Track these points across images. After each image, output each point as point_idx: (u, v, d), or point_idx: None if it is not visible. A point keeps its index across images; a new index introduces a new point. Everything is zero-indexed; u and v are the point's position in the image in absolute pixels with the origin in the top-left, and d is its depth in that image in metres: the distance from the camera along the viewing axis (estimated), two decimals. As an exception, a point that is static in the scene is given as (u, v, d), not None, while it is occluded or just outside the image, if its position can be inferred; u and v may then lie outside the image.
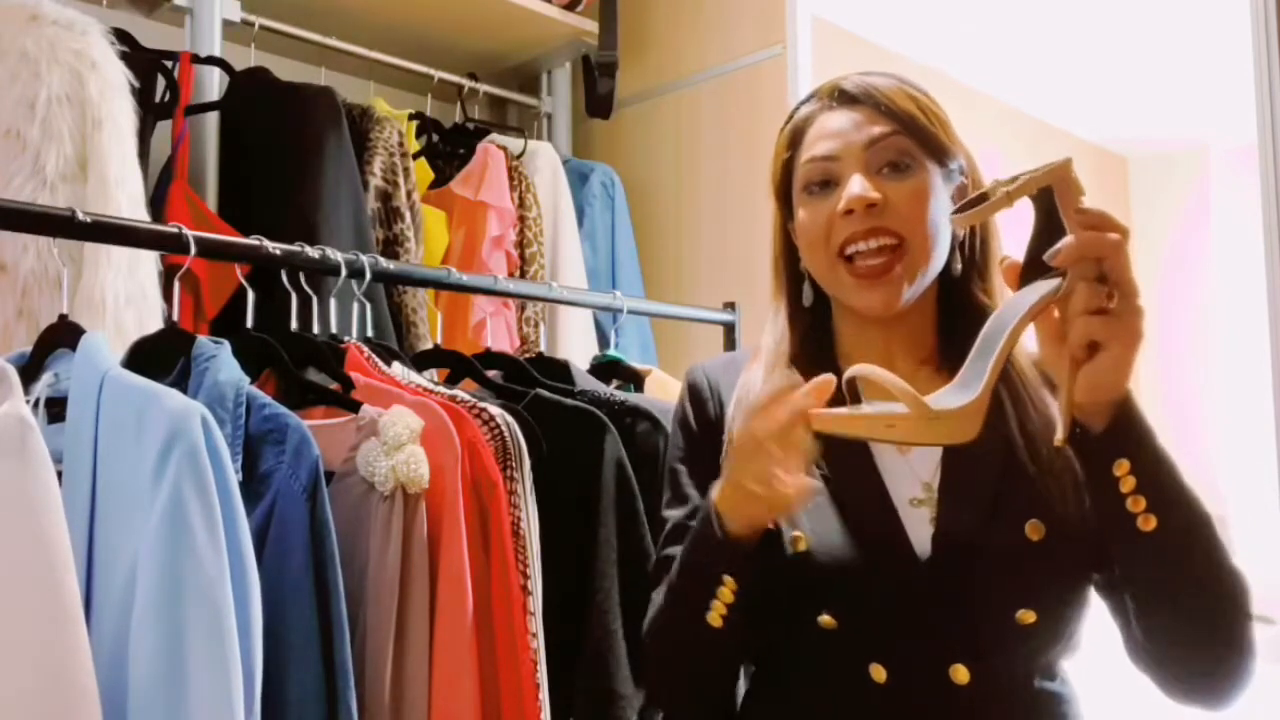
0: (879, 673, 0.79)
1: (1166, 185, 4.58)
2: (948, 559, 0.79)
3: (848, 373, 0.71)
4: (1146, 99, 3.88)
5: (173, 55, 1.59)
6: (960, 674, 0.77)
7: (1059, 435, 0.69)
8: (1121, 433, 0.70)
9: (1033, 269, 0.69)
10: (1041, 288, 0.68)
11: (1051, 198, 0.67)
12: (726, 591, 0.77)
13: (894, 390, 0.67)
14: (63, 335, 0.94)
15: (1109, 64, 3.50)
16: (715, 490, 0.79)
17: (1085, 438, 0.71)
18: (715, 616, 0.78)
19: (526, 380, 1.27)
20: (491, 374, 1.28)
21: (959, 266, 0.87)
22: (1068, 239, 0.65)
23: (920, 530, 0.81)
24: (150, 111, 1.51)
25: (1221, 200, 4.41)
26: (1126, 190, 4.71)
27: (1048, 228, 0.68)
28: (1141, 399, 0.71)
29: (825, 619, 0.81)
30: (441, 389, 1.11)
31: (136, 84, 1.38)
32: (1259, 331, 1.51)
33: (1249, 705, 0.80)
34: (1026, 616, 0.77)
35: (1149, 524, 0.70)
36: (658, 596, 0.88)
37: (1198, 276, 4.41)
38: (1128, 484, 0.69)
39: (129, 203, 1.30)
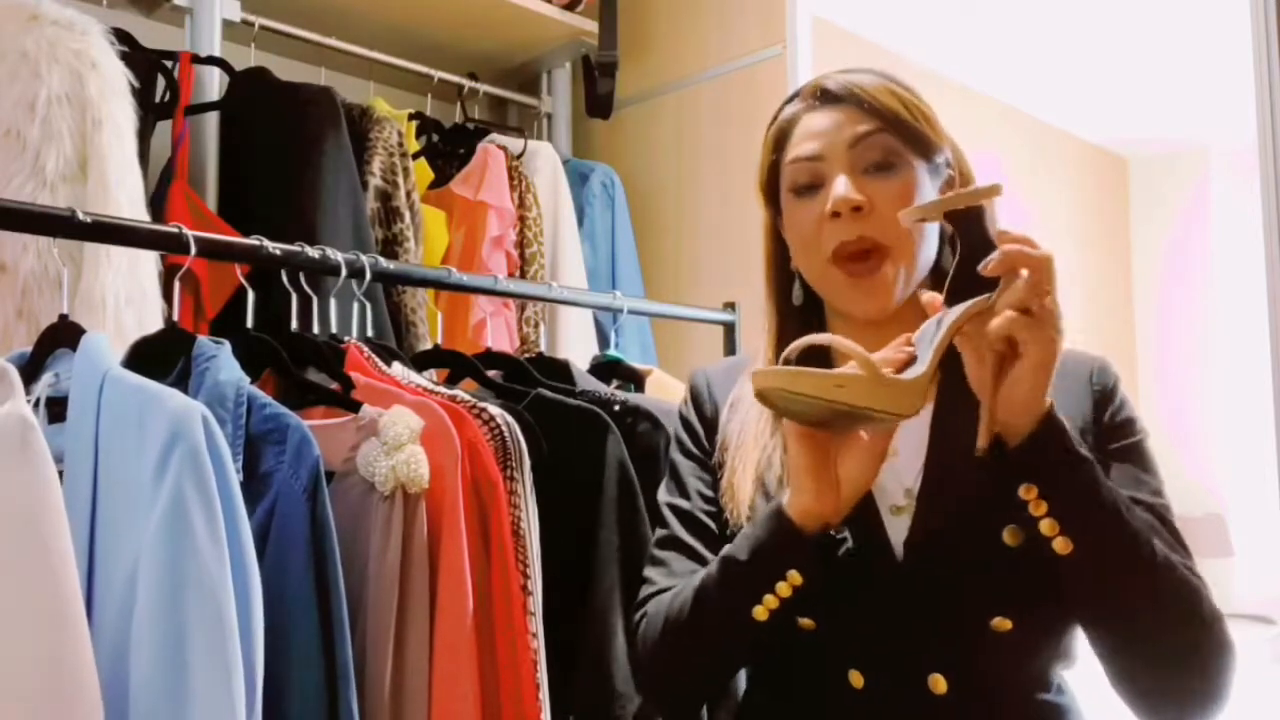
0: (857, 679, 0.80)
1: (1166, 185, 4.57)
2: (921, 564, 0.79)
3: (808, 339, 0.73)
4: (1146, 100, 3.88)
5: (173, 55, 1.59)
6: (938, 684, 0.77)
7: (979, 445, 0.70)
8: (1033, 454, 0.69)
9: (957, 292, 0.71)
10: (975, 298, 0.70)
11: (982, 220, 0.69)
12: (786, 586, 0.76)
13: (850, 353, 0.68)
14: (63, 335, 0.94)
15: (1109, 65, 3.50)
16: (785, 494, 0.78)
17: (1000, 455, 0.71)
18: (763, 610, 0.77)
19: (527, 380, 1.28)
20: (492, 374, 1.28)
21: (953, 260, 0.87)
22: (999, 249, 0.67)
23: (901, 536, 0.81)
24: (150, 111, 1.51)
25: (1221, 200, 4.40)
26: (1126, 190, 4.70)
27: (973, 250, 0.70)
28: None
29: (805, 621, 0.81)
30: (441, 389, 1.11)
31: (136, 84, 1.38)
32: (1259, 332, 1.51)
33: (1249, 705, 0.79)
34: (1002, 624, 0.77)
35: (1065, 548, 0.69)
36: (682, 591, 0.84)
37: (1198, 276, 4.41)
38: (1038, 507, 0.69)
39: (129, 203, 1.30)
